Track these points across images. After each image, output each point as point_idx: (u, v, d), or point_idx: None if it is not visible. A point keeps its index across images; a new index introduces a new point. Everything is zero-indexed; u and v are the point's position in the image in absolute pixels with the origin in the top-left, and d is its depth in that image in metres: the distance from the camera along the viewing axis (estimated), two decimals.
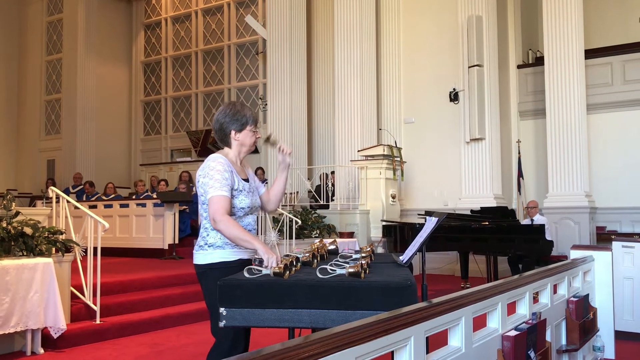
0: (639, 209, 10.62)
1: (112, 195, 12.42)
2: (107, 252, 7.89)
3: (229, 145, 2.98)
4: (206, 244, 2.87)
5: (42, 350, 4.96)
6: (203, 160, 2.94)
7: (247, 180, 2.99)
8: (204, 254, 2.87)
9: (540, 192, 11.21)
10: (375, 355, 1.60)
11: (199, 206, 2.95)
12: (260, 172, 12.77)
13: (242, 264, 2.85)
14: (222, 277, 2.52)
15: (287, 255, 2.75)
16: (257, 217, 3.17)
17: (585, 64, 10.39)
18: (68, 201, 6.24)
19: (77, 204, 6.52)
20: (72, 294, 5.70)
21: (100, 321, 5.63)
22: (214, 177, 2.80)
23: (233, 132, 2.94)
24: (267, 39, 13.17)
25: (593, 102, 10.80)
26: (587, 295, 3.82)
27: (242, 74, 15.38)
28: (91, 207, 10.44)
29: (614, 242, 5.69)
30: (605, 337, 4.00)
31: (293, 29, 12.64)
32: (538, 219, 8.90)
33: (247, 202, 2.91)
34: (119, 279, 6.75)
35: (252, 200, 2.96)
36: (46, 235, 5.31)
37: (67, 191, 12.71)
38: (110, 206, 11.01)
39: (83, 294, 5.76)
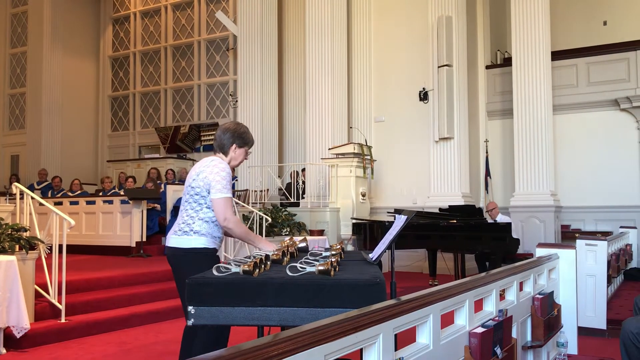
0: (602, 208, 10.88)
1: (78, 192, 12.19)
2: (73, 249, 7.73)
3: (225, 153, 3.38)
4: (192, 230, 3.20)
5: (4, 350, 4.84)
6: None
7: None
8: (188, 239, 3.19)
9: (507, 190, 11.40)
10: (345, 352, 1.60)
11: (189, 196, 3.27)
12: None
13: (215, 253, 3.27)
14: (201, 260, 2.94)
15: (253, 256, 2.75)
16: None
17: (551, 65, 10.59)
18: (33, 197, 6.10)
19: (42, 201, 6.38)
20: (37, 292, 5.58)
21: (65, 320, 5.52)
22: (224, 178, 3.19)
23: (234, 146, 3.36)
24: (237, 36, 13.09)
25: (559, 102, 11.03)
26: (552, 292, 3.89)
27: (212, 70, 15.25)
28: (56, 203, 10.23)
29: (577, 241, 5.82)
30: (568, 333, 4.08)
31: (264, 26, 12.58)
32: (501, 219, 9.04)
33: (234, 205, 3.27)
34: (85, 277, 6.64)
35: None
36: (9, 232, 5.19)
37: (31, 187, 12.45)
38: (76, 203, 10.81)
39: (48, 293, 5.65)
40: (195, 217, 3.22)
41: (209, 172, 3.20)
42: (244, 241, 3.35)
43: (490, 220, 9.25)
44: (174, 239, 3.23)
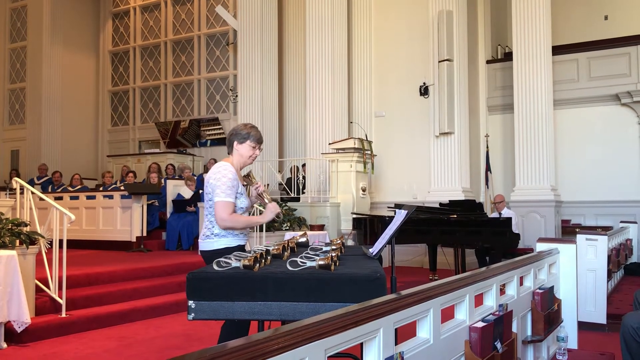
0: (602, 203, 10.88)
1: (79, 187, 12.19)
2: (73, 244, 7.75)
3: (230, 152, 3.58)
4: (212, 233, 3.44)
5: (5, 345, 4.86)
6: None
7: (245, 185, 3.63)
8: (211, 242, 3.44)
9: (507, 185, 11.39)
10: (345, 347, 1.60)
11: (206, 202, 3.50)
12: None
13: (241, 248, 3.46)
14: None
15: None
16: None
17: (552, 60, 10.57)
18: (33, 192, 6.10)
19: (42, 196, 6.38)
20: (37, 287, 5.59)
21: (66, 314, 5.53)
22: (224, 183, 3.37)
23: (235, 143, 3.53)
24: (237, 30, 13.05)
25: (559, 97, 11.01)
26: (552, 287, 3.90)
27: (212, 65, 15.22)
28: (57, 198, 10.25)
29: (578, 235, 5.83)
30: (568, 328, 4.08)
31: (264, 21, 12.55)
32: (506, 213, 9.04)
33: (246, 202, 3.53)
34: (85, 272, 6.64)
35: (248, 201, 3.57)
36: (10, 227, 5.19)
37: (31, 182, 12.43)
38: (76, 198, 10.81)
39: (48, 287, 5.65)
40: (214, 221, 3.44)
41: (213, 179, 3.43)
42: (252, 227, 3.49)
43: (494, 214, 9.25)
44: (201, 243, 3.51)
